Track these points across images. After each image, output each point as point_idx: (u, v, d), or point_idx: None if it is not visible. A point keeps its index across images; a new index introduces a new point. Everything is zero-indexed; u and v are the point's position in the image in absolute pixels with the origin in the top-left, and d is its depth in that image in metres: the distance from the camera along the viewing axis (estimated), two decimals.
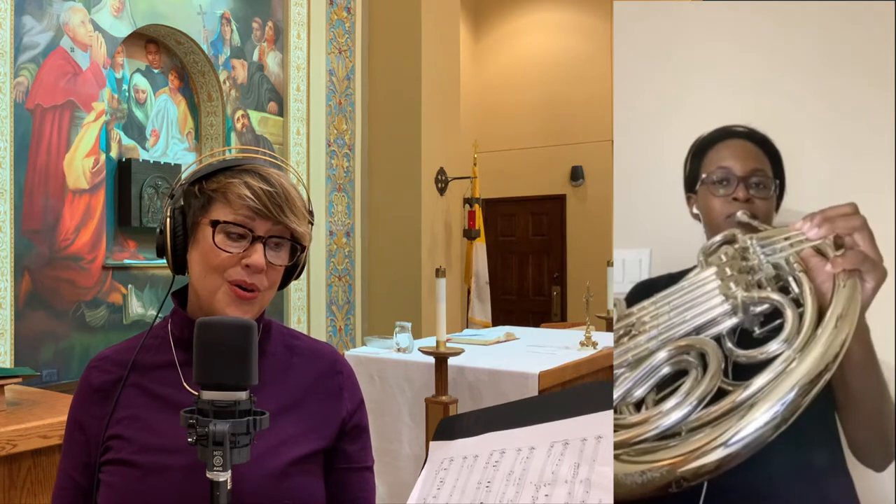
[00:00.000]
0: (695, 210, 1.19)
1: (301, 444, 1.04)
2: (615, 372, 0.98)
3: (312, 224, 1.10)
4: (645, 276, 1.18)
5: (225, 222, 1.01)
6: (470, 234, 6.07)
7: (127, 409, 1.03)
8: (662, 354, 0.96)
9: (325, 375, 1.12)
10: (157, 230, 1.06)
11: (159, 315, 1.11)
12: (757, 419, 0.85)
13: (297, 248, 1.06)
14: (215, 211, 1.02)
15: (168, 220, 1.04)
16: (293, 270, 1.10)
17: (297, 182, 1.10)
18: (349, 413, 1.11)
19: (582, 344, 3.41)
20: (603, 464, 0.79)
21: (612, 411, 0.82)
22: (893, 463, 0.95)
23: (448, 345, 2.87)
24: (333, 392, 1.11)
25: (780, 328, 0.93)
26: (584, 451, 0.80)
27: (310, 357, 1.13)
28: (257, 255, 1.01)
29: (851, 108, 1.16)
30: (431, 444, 0.91)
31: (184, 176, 1.07)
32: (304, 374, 1.10)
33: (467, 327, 5.32)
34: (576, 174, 7.64)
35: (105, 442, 1.02)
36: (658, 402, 0.93)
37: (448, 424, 0.92)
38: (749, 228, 1.07)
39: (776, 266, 0.98)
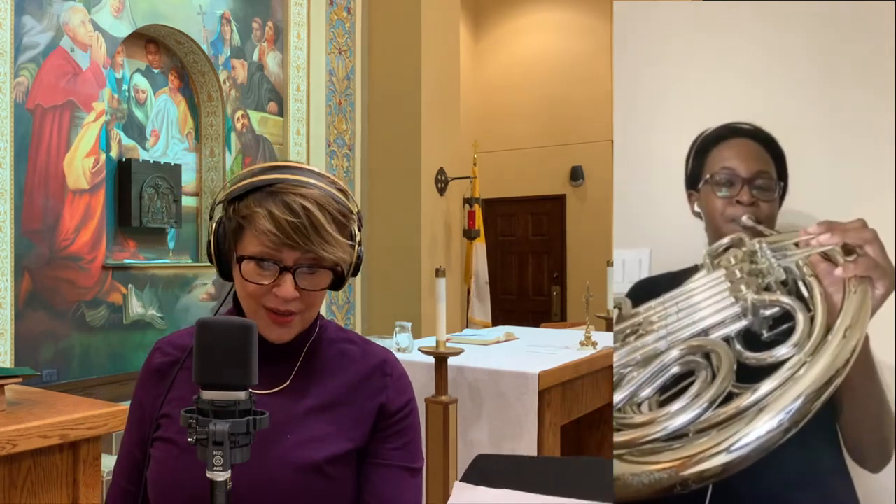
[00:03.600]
0: (696, 208, 1.18)
1: (331, 444, 1.05)
2: (617, 372, 0.98)
3: (361, 228, 1.07)
4: (645, 277, 1.18)
5: (251, 257, 1.01)
6: (470, 234, 6.06)
7: (179, 390, 1.08)
8: (674, 353, 0.94)
9: (370, 377, 1.13)
10: (207, 241, 1.08)
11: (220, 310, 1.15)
12: (765, 424, 0.84)
13: (336, 270, 1.04)
14: (244, 241, 1.02)
15: (212, 239, 1.05)
16: (341, 280, 1.07)
17: (334, 189, 1.04)
18: (390, 413, 1.11)
19: (582, 344, 3.40)
20: None
21: None
22: (892, 464, 0.95)
23: (448, 345, 2.87)
24: (375, 393, 1.11)
25: (788, 332, 0.92)
26: None
27: (358, 361, 1.14)
28: (286, 287, 1.00)
29: (852, 109, 1.16)
30: (457, 483, 0.92)
31: (221, 195, 1.07)
32: (349, 376, 1.12)
33: (467, 327, 5.32)
34: (576, 174, 7.64)
35: (157, 420, 1.08)
36: (662, 404, 0.92)
37: (476, 467, 0.93)
38: (754, 232, 1.06)
39: (786, 270, 0.97)
